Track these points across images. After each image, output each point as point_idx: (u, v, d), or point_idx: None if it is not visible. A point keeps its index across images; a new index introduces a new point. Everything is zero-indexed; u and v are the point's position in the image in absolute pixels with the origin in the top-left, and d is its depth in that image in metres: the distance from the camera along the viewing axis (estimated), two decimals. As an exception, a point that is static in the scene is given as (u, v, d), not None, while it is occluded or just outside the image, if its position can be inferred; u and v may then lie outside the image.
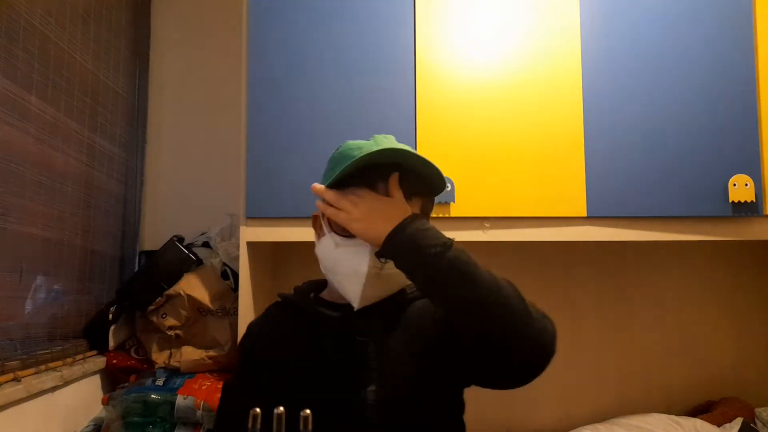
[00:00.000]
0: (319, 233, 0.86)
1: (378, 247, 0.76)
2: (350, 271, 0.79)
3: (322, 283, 0.93)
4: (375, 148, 0.77)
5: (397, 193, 0.79)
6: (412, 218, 0.75)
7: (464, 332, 0.72)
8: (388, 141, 0.82)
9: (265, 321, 0.93)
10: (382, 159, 0.78)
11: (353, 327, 0.82)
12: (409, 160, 0.79)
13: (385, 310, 0.83)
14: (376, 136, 0.84)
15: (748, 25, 1.43)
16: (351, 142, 0.84)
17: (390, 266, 0.78)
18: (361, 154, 0.77)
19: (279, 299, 0.94)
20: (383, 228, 0.74)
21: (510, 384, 0.75)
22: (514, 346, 0.70)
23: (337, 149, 0.86)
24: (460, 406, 0.86)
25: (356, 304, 0.80)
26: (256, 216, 1.40)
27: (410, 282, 0.85)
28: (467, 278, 0.69)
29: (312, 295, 0.91)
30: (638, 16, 1.44)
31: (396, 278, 0.81)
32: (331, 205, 0.79)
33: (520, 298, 0.70)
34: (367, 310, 0.82)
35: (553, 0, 1.44)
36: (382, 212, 0.76)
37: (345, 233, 0.80)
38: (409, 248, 0.72)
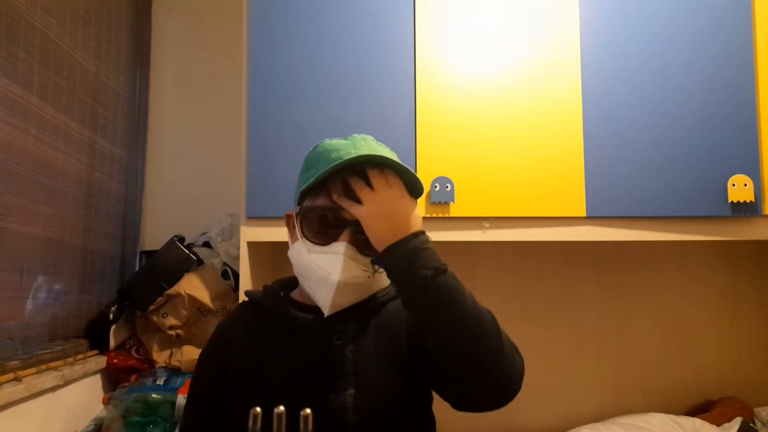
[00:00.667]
0: (292, 235, 0.86)
1: (371, 250, 0.76)
2: (321, 279, 0.78)
3: (293, 281, 0.92)
4: (353, 151, 0.76)
5: (398, 188, 0.77)
6: (416, 234, 0.74)
7: (434, 349, 0.72)
8: (365, 143, 0.81)
9: (236, 322, 0.90)
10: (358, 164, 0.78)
11: (328, 330, 0.81)
12: (387, 164, 0.78)
13: (357, 314, 0.82)
14: (354, 135, 0.83)
15: (748, 25, 1.43)
16: (328, 141, 0.83)
17: (368, 274, 0.78)
18: (339, 157, 0.76)
19: (246, 298, 0.92)
20: (387, 233, 0.74)
21: (465, 409, 0.75)
22: (477, 380, 0.70)
23: (314, 148, 0.84)
24: (430, 414, 0.86)
25: (326, 311, 0.79)
26: (256, 216, 1.40)
27: (383, 286, 0.86)
28: (451, 307, 0.70)
29: (282, 294, 0.90)
30: (637, 17, 1.44)
31: (367, 287, 0.82)
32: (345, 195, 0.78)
33: (496, 337, 0.71)
34: (340, 313, 0.81)
35: (552, 1, 1.44)
36: (391, 215, 0.75)
37: (317, 240, 0.79)
38: (404, 264, 0.72)
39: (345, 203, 0.77)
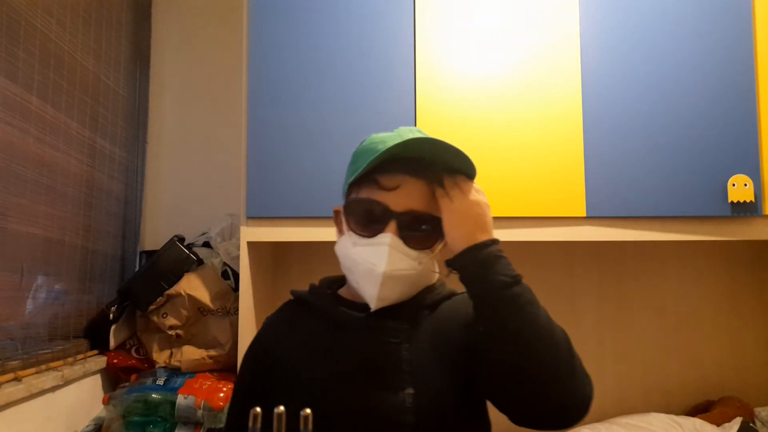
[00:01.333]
0: (340, 230, 0.84)
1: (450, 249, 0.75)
2: (367, 271, 0.76)
3: (340, 280, 0.90)
4: (398, 140, 0.76)
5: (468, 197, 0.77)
6: (494, 241, 0.75)
7: (500, 361, 0.70)
8: (412, 133, 0.80)
9: (283, 319, 0.89)
10: (407, 152, 0.77)
11: (380, 328, 0.79)
12: (435, 150, 0.77)
13: (410, 312, 0.81)
14: (401, 127, 0.83)
15: (748, 25, 1.43)
16: (374, 135, 0.82)
17: (414, 268, 0.77)
18: (385, 147, 0.75)
19: (292, 297, 0.90)
20: (467, 234, 0.74)
21: (526, 425, 0.72)
22: (545, 396, 0.69)
23: (361, 143, 0.84)
24: (486, 418, 0.83)
25: (373, 305, 0.77)
26: (256, 216, 1.40)
27: (430, 282, 0.84)
28: (524, 317, 0.69)
29: (329, 292, 0.88)
30: (637, 17, 1.44)
31: (414, 282, 0.80)
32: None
33: (569, 353, 0.69)
34: (393, 311, 0.79)
35: (552, 2, 1.44)
36: (476, 217, 0.76)
37: (362, 232, 0.78)
38: (482, 268, 0.72)
39: (439, 192, 0.77)
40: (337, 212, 0.86)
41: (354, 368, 0.77)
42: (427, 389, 0.76)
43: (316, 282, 0.93)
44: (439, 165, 0.79)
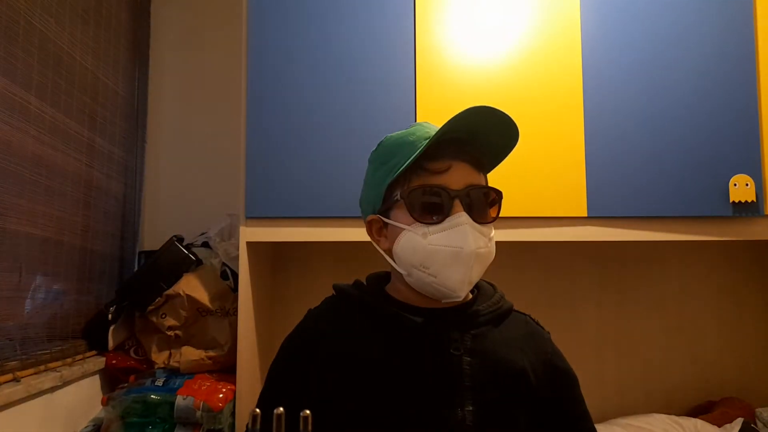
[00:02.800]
0: (380, 238, 0.81)
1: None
2: (452, 256, 0.72)
3: (385, 277, 0.86)
4: (430, 129, 0.74)
5: None
6: None
7: None
8: (430, 126, 0.80)
9: (330, 315, 0.83)
10: (460, 129, 0.75)
11: (441, 337, 0.75)
12: (484, 129, 0.76)
13: (472, 323, 0.78)
14: (416, 124, 0.82)
15: (749, 25, 1.43)
16: (392, 134, 0.81)
17: (487, 245, 0.74)
18: (418, 138, 0.74)
19: (334, 292, 0.85)
20: None
21: None
22: None
23: (380, 143, 0.82)
24: None
25: (461, 291, 0.73)
26: (255, 216, 1.40)
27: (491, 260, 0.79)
28: None
29: (384, 293, 0.84)
30: (638, 16, 1.43)
31: (487, 262, 0.77)
32: None
33: None
34: (453, 320, 0.77)
35: (552, 2, 1.44)
36: None
37: (432, 220, 0.74)
38: None
39: None
40: (371, 221, 0.83)
41: (411, 379, 0.74)
42: (489, 407, 0.73)
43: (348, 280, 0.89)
44: (480, 146, 0.78)
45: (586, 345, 1.77)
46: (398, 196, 0.77)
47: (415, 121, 1.40)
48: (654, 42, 1.43)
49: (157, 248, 1.66)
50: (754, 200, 1.37)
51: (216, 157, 1.91)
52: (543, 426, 0.78)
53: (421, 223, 0.75)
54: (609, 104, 1.41)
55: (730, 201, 1.37)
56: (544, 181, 1.39)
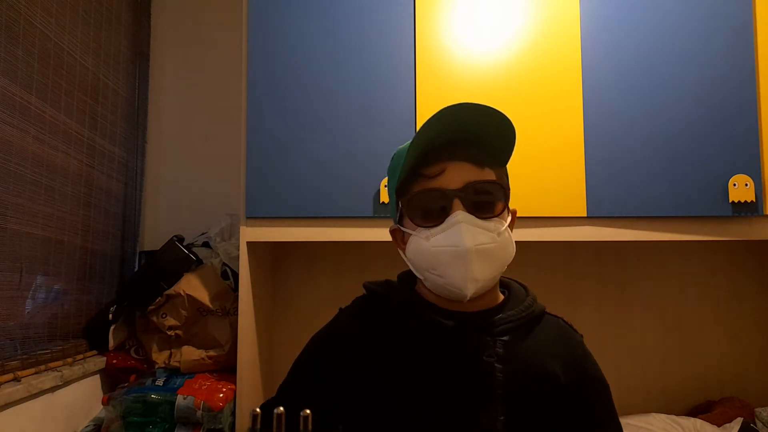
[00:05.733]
0: (405, 239, 0.81)
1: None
2: (452, 255, 0.72)
3: (415, 276, 0.84)
4: (431, 129, 0.74)
5: None
6: None
7: None
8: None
9: (360, 315, 0.84)
10: (445, 130, 0.75)
11: (472, 342, 0.75)
12: (474, 128, 0.76)
13: (504, 327, 0.77)
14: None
15: (749, 24, 1.43)
16: (400, 146, 0.82)
17: (494, 240, 0.74)
18: (415, 139, 0.74)
19: (365, 291, 0.85)
20: None
21: None
22: None
23: (391, 160, 0.84)
24: None
25: (468, 290, 0.72)
26: (256, 216, 1.40)
27: (511, 258, 0.79)
28: None
29: (416, 294, 0.83)
30: (638, 15, 1.43)
31: (498, 256, 0.76)
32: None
33: None
34: (485, 324, 0.76)
35: (552, 5, 1.44)
36: None
37: (431, 223, 0.75)
38: None
39: None
40: (394, 231, 0.84)
41: (441, 385, 0.73)
42: (521, 417, 0.72)
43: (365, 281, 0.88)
44: (476, 143, 0.78)
45: (586, 345, 1.77)
46: (402, 202, 0.80)
47: (415, 120, 1.40)
48: (654, 41, 1.43)
49: (158, 248, 1.66)
50: (754, 200, 1.37)
51: (216, 156, 1.91)
52: None
53: (422, 227, 0.76)
54: (608, 104, 1.41)
55: (730, 201, 1.38)
56: (543, 180, 1.39)
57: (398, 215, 0.82)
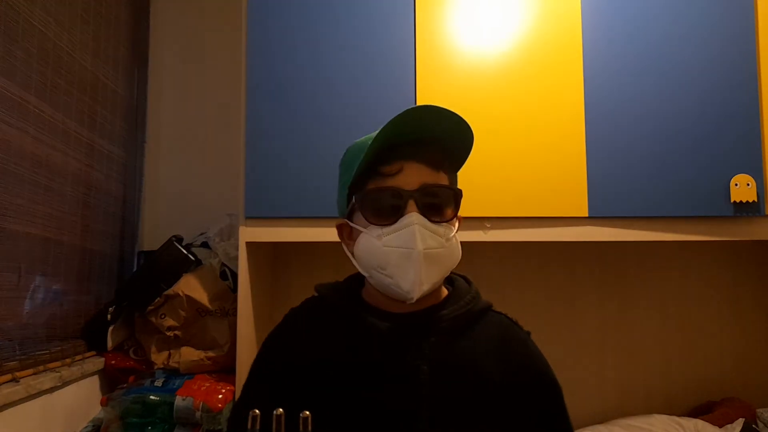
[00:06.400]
0: (353, 236, 0.80)
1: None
2: (403, 257, 0.72)
3: (361, 279, 0.85)
4: (380, 129, 0.73)
5: None
6: None
7: None
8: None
9: (306, 316, 0.85)
10: (400, 136, 0.74)
11: (403, 344, 0.74)
12: (435, 130, 0.75)
13: (439, 327, 0.76)
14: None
15: (750, 25, 1.43)
16: (359, 139, 0.81)
17: (443, 245, 0.73)
18: (371, 138, 0.73)
19: (316, 293, 0.86)
20: None
21: None
22: None
23: (347, 149, 0.82)
24: None
25: (415, 293, 0.72)
26: (255, 216, 1.39)
27: (456, 264, 0.78)
28: None
29: (356, 295, 0.84)
30: (640, 15, 1.43)
31: (444, 261, 0.75)
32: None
33: None
34: (419, 324, 0.75)
35: (553, 4, 1.43)
36: None
37: (385, 222, 0.74)
38: None
39: None
40: (340, 226, 0.83)
41: (371, 386, 0.73)
42: (449, 419, 0.71)
43: (312, 281, 0.89)
44: (434, 146, 0.77)
45: (587, 345, 1.77)
46: (357, 197, 0.78)
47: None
48: (655, 41, 1.42)
49: (157, 248, 1.66)
50: (755, 200, 1.37)
51: (215, 156, 1.91)
52: None
53: (375, 225, 0.75)
54: (610, 104, 1.41)
55: (731, 201, 1.37)
56: (544, 180, 1.39)
57: (348, 210, 0.81)
